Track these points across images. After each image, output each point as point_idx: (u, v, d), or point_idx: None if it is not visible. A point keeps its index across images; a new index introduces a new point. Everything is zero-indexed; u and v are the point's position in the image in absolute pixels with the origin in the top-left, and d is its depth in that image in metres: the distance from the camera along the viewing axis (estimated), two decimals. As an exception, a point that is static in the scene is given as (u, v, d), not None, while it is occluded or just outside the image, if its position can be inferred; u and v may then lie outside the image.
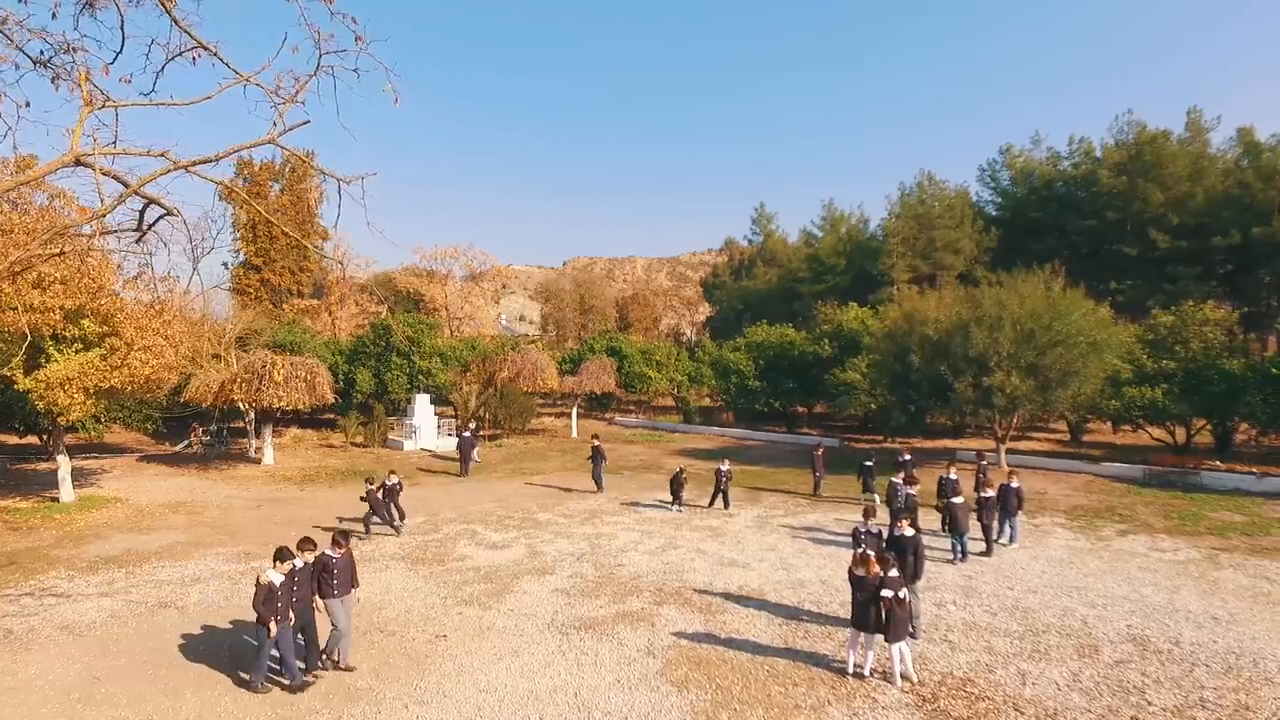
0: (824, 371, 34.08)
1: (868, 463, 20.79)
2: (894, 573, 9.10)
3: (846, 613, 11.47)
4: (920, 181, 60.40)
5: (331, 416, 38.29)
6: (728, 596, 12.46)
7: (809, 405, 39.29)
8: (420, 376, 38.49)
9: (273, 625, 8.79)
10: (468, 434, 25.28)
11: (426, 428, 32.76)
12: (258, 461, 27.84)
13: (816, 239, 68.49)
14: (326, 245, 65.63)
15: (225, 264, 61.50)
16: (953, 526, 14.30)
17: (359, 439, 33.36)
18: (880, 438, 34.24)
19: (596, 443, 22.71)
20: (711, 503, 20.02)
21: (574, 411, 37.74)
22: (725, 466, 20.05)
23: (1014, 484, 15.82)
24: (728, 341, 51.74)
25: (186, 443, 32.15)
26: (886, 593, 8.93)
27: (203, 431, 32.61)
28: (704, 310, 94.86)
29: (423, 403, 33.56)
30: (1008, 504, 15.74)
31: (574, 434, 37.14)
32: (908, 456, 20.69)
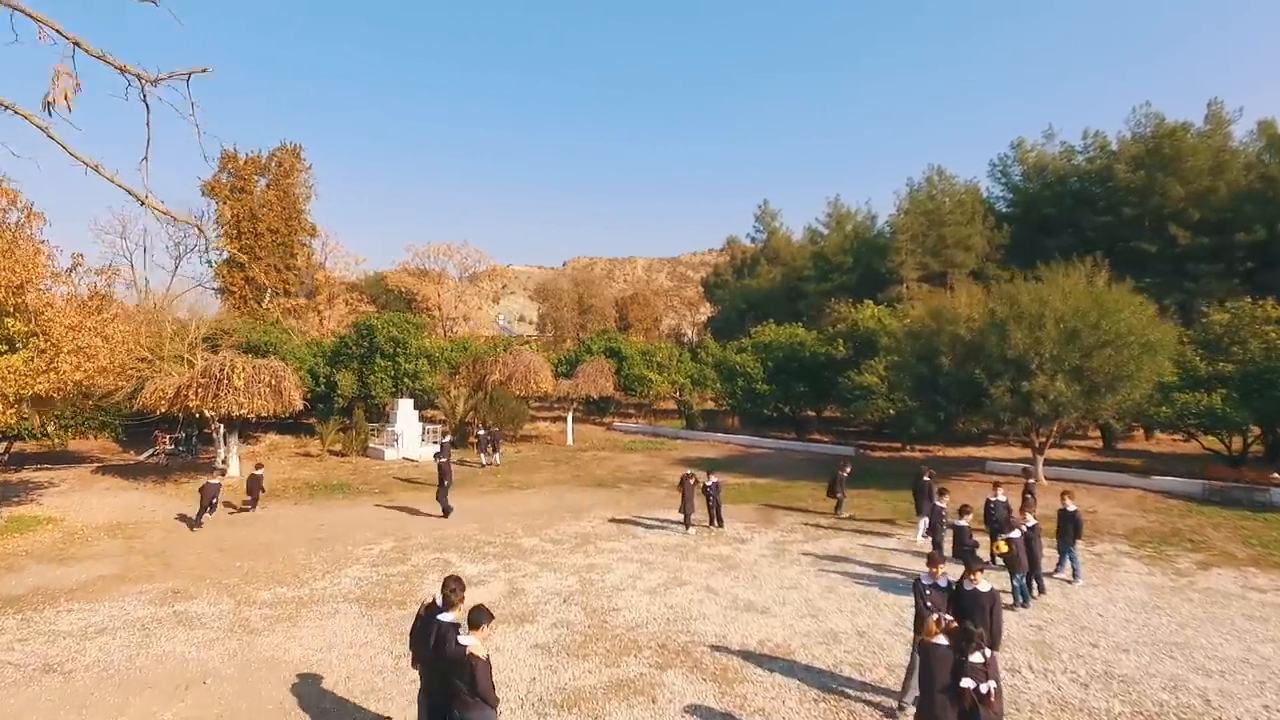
0: (837, 374, 31.74)
1: (925, 479, 16.98)
2: (979, 656, 6.69)
3: (895, 679, 9.15)
4: (929, 177, 58.99)
5: (312, 422, 35.96)
6: (747, 656, 10.09)
7: (819, 409, 36.95)
8: (406, 379, 36.13)
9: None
10: (442, 447, 22.82)
11: (410, 435, 30.40)
12: (223, 473, 25.46)
13: (822, 236, 66.82)
14: (314, 241, 63.82)
15: (209, 261, 59.13)
16: (1010, 565, 11.93)
17: (337, 447, 31.00)
18: (899, 445, 31.89)
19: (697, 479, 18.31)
20: (713, 521, 17.74)
21: (569, 417, 35.39)
22: (712, 482, 17.74)
23: (1070, 507, 13.46)
24: (731, 342, 49.42)
25: (151, 451, 29.81)
26: (968, 683, 6.57)
27: (168, 440, 30.26)
28: (705, 310, 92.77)
29: (406, 408, 31.21)
30: (1065, 532, 13.38)
31: (569, 441, 34.78)
32: (926, 478, 18.51)
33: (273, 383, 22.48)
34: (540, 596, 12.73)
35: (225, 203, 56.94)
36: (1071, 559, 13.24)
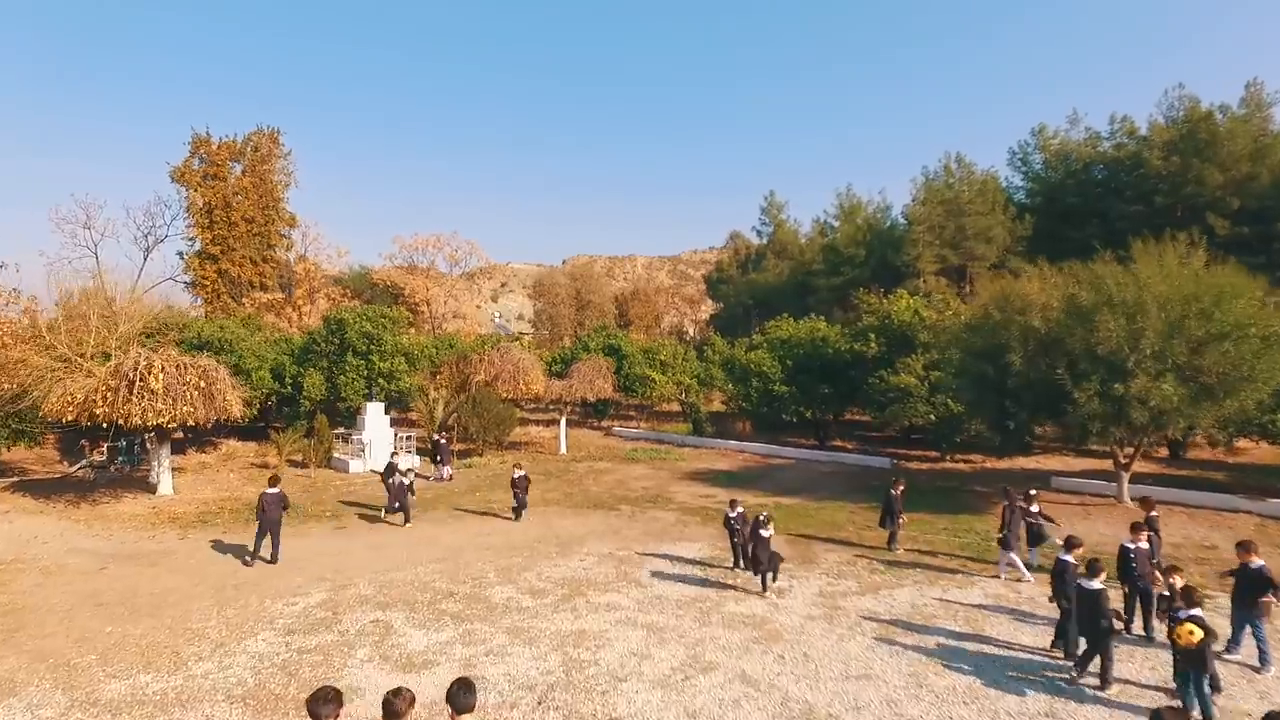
0: (866, 373, 27.91)
1: (1029, 507, 13.51)
2: None
3: None
4: (947, 165, 56.12)
5: (280, 425, 32.18)
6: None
7: (842, 413, 33.15)
8: (380, 380, 32.34)
9: None
10: (389, 467, 19.09)
11: (379, 444, 26.58)
12: (154, 490, 21.69)
13: (833, 228, 63.72)
14: (294, 233, 59.96)
15: (180, 253, 55.21)
16: (1194, 661, 8.05)
17: (298, 457, 27.19)
18: (937, 454, 28.08)
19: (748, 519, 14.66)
20: (739, 562, 13.99)
21: (563, 422, 31.55)
22: (736, 513, 13.97)
23: (1255, 563, 9.62)
24: (740, 339, 45.67)
25: (84, 463, 26.00)
26: None
27: (103, 449, 26.46)
28: (707, 308, 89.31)
29: (375, 413, 27.39)
30: (1245, 597, 9.55)
31: (562, 449, 30.95)
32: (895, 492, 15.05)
33: (201, 385, 18.63)
34: (504, 692, 8.94)
35: (196, 190, 53.07)
36: (1256, 635, 9.41)
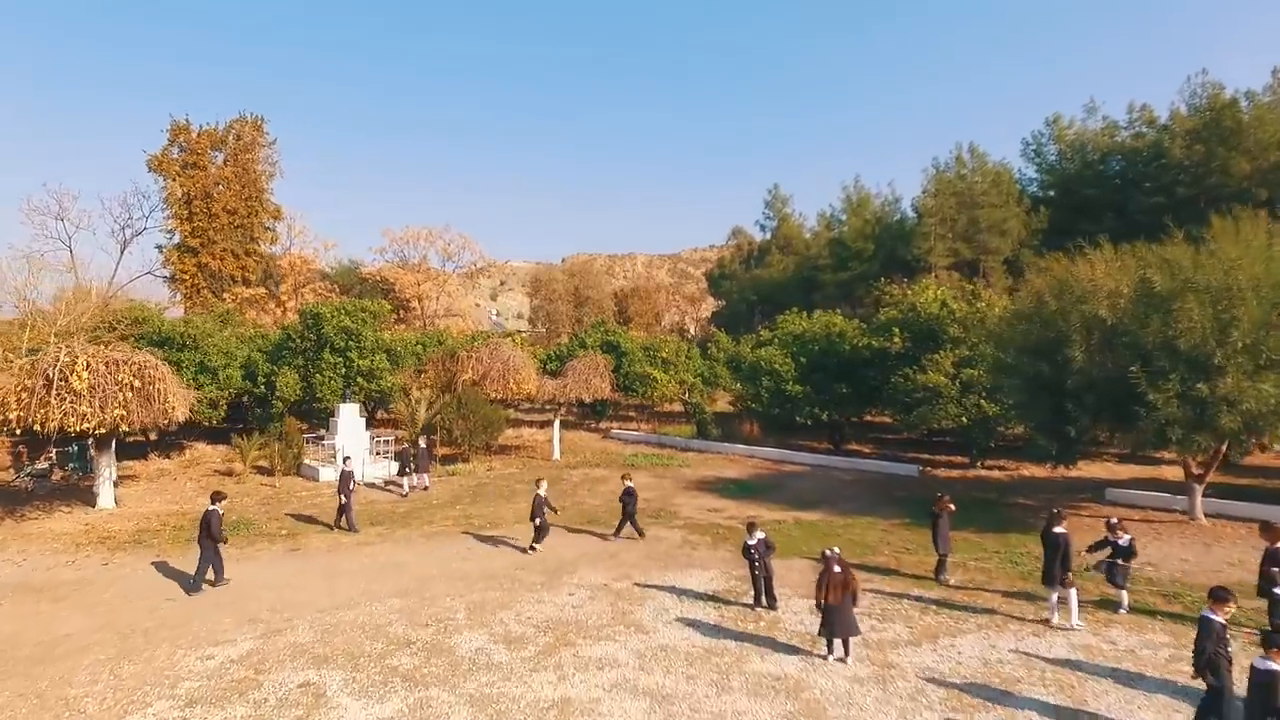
0: (888, 371, 25.47)
1: (1117, 540, 11.13)
2: None
3: None
4: (959, 156, 54.34)
5: (246, 429, 29.75)
6: None
7: (859, 414, 30.71)
8: (360, 379, 29.92)
9: None
10: (343, 476, 16.70)
11: (354, 449, 24.09)
12: (95, 503, 19.24)
13: (840, 222, 61.85)
14: (279, 225, 57.48)
15: (159, 246, 52.72)
16: None
17: (263, 463, 24.76)
18: (965, 459, 25.66)
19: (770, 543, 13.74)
20: (760, 599, 11.56)
21: (556, 424, 29.10)
22: (757, 539, 11.48)
23: None
24: (746, 335, 43.24)
25: (25, 472, 23.54)
26: None
27: (51, 455, 24.05)
28: (708, 306, 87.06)
29: (349, 415, 24.93)
30: None
31: (555, 454, 28.50)
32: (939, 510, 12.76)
33: (136, 385, 16.17)
34: (457, 808, 6.50)
35: (175, 179, 50.58)
36: None
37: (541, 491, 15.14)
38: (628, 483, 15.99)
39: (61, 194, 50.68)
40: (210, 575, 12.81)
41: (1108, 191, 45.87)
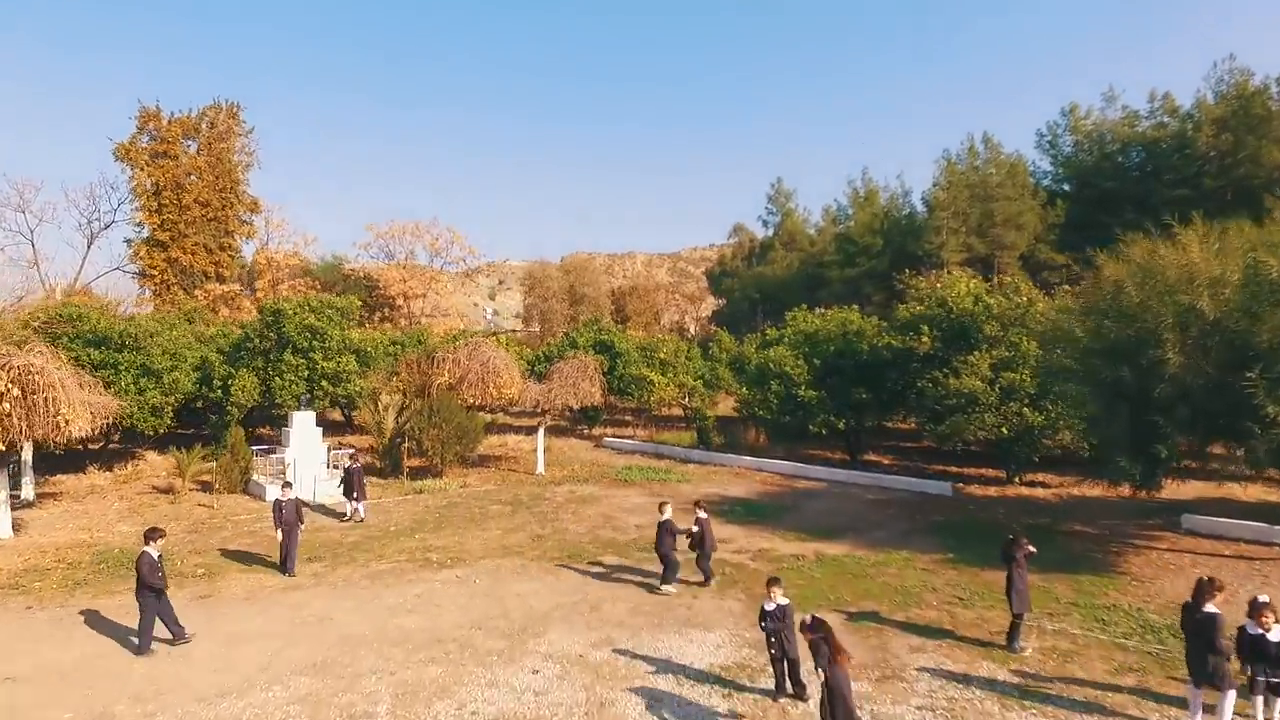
0: (913, 374, 22.58)
1: (1016, 552, 9.88)
2: None
3: None
4: (971, 146, 52.36)
5: (190, 438, 26.87)
6: None
7: (879, 421, 27.78)
8: (324, 383, 27.01)
9: None
10: (278, 504, 13.64)
11: (307, 463, 21.24)
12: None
13: (846, 216, 59.66)
14: (256, 218, 54.61)
15: (127, 240, 49.89)
16: None
17: (207, 478, 21.88)
18: (1001, 474, 22.76)
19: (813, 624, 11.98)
20: (783, 686, 8.63)
21: (540, 434, 26.15)
22: (776, 603, 8.58)
23: None
24: (749, 334, 40.35)
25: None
26: None
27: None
28: (708, 305, 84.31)
29: (303, 424, 22.05)
30: None
31: (539, 468, 25.56)
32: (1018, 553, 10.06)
33: (15, 394, 13.26)
34: None
35: (144, 170, 47.66)
36: None
37: (667, 515, 12.45)
38: (700, 512, 12.84)
39: (23, 185, 47.95)
40: (167, 632, 10.34)
41: (1128, 184, 43.96)
